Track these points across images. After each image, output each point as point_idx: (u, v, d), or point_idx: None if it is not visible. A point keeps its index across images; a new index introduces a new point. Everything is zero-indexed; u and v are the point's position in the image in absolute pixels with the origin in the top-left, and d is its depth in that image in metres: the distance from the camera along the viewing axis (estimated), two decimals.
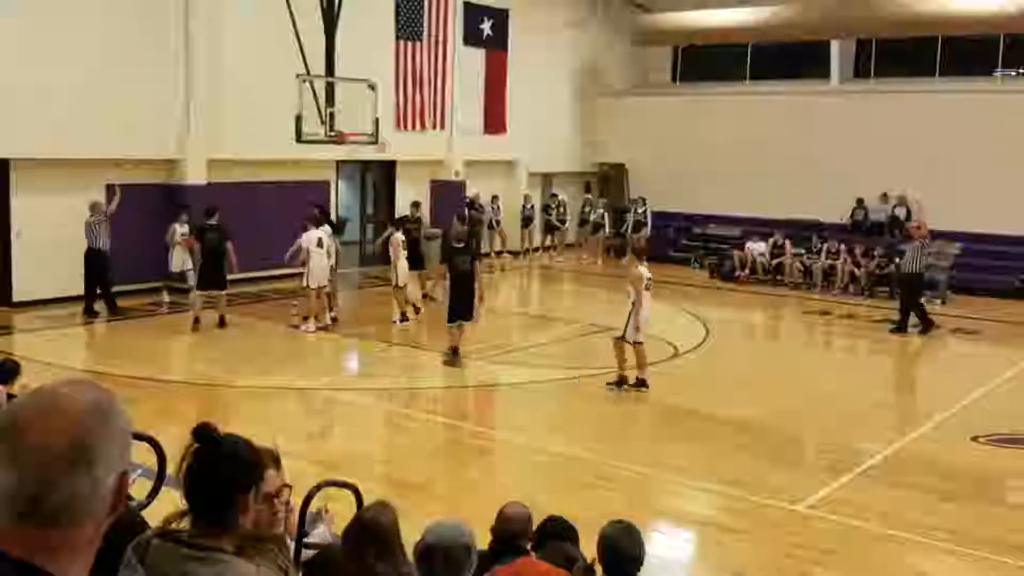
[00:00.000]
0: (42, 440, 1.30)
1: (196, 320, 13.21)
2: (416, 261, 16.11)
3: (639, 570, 3.90)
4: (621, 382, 10.64)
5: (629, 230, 22.32)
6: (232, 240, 13.35)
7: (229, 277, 13.66)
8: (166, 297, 15.05)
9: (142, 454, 1.75)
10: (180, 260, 14.82)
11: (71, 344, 12.93)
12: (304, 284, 13.63)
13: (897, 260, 16.41)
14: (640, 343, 10.54)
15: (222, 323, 13.40)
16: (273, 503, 2.82)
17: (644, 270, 10.63)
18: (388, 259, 14.81)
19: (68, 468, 1.31)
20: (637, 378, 10.66)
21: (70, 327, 13.43)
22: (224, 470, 2.20)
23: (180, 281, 15.04)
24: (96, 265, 13.85)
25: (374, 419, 10.11)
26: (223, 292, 13.46)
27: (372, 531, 3.25)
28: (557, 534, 4.21)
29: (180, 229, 14.74)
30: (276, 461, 3.11)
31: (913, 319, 14.80)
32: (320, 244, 13.55)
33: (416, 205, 16.81)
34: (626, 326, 10.51)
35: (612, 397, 10.75)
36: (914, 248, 15.04)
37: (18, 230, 14.14)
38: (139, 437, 1.54)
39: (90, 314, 13.84)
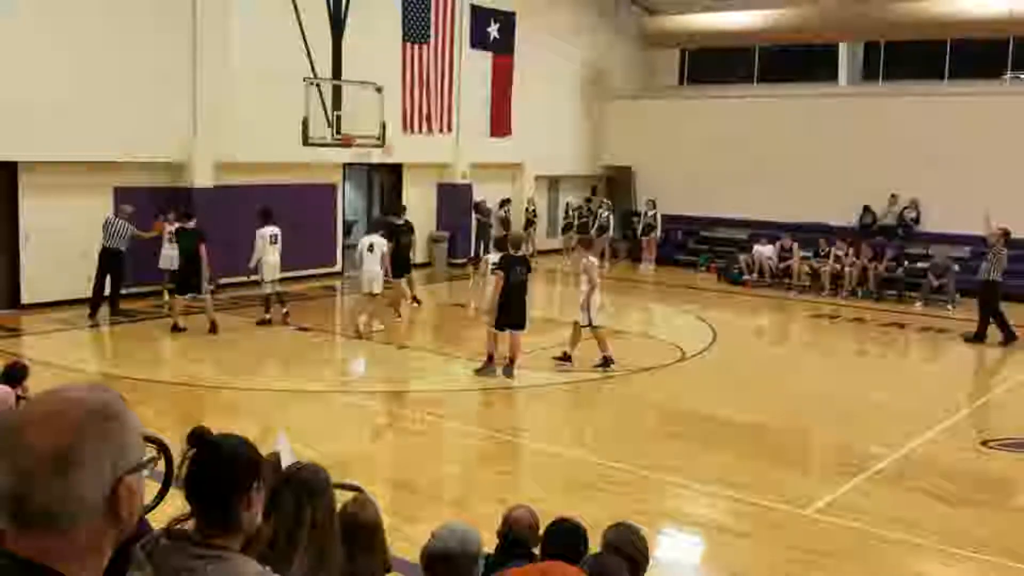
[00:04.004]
0: (32, 442, 1.32)
1: (176, 326, 13.04)
2: (402, 265, 15.32)
3: (645, 570, 3.90)
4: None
5: (640, 233, 22.37)
6: (206, 243, 13.04)
7: (227, 280, 13.61)
8: (167, 297, 15.15)
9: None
10: (169, 258, 14.86)
11: (78, 346, 12.96)
12: (367, 290, 13.49)
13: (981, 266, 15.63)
14: None
15: (213, 328, 13.11)
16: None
17: None
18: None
19: (52, 469, 1.31)
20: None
21: (78, 329, 13.47)
22: (223, 472, 2.21)
23: (171, 281, 15.11)
24: (111, 264, 13.87)
25: (379, 421, 10.12)
26: (203, 296, 13.26)
27: (351, 527, 3.26)
28: (573, 540, 4.07)
29: (168, 227, 14.69)
30: (274, 466, 3.12)
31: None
32: (371, 249, 13.52)
33: (403, 209, 16.58)
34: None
35: (615, 399, 10.75)
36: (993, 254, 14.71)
37: (27, 233, 14.18)
38: (147, 439, 1.54)
39: (97, 310, 13.80)
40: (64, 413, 1.35)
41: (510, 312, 11.21)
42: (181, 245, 13.10)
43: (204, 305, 13.30)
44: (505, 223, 20.57)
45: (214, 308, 13.42)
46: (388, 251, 13.72)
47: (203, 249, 12.93)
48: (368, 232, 14.36)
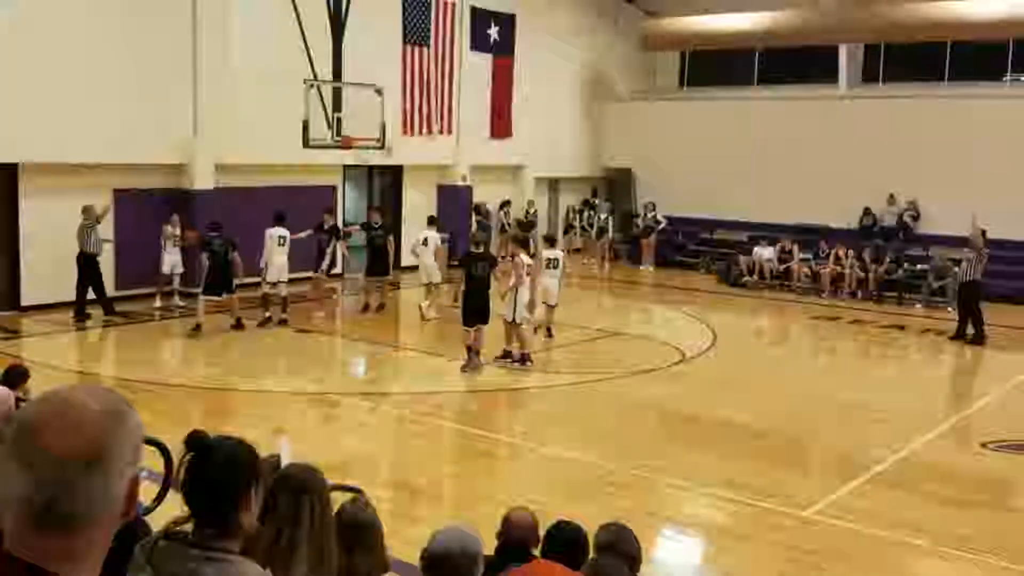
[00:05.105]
0: (58, 443, 1.30)
1: (197, 326, 13.07)
2: (379, 267, 15.50)
3: (638, 570, 3.90)
4: None
5: (640, 234, 22.36)
6: (238, 250, 13.30)
7: (237, 282, 13.66)
8: (158, 302, 15.04)
9: (148, 458, 1.75)
10: (170, 262, 14.93)
11: (78, 348, 12.96)
12: (424, 281, 14.91)
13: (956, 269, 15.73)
14: None
15: (239, 324, 13.40)
16: None
17: None
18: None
19: (84, 471, 1.30)
20: None
21: (77, 331, 13.47)
22: (221, 474, 2.21)
23: (167, 284, 15.12)
24: (88, 269, 13.85)
25: (381, 422, 10.12)
26: (233, 296, 13.39)
27: (349, 528, 3.28)
28: (573, 542, 4.09)
29: (172, 230, 14.83)
30: (275, 467, 3.13)
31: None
32: (425, 243, 14.85)
33: (378, 210, 16.62)
34: None
35: (614, 401, 10.75)
36: (976, 256, 14.89)
37: (27, 233, 14.17)
38: (147, 441, 1.54)
39: (81, 316, 13.73)
40: (81, 414, 1.34)
41: (473, 307, 11.53)
42: (216, 252, 13.15)
43: (230, 304, 13.41)
44: (519, 224, 20.66)
45: (239, 307, 13.57)
46: (444, 246, 15.32)
47: (236, 256, 13.28)
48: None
